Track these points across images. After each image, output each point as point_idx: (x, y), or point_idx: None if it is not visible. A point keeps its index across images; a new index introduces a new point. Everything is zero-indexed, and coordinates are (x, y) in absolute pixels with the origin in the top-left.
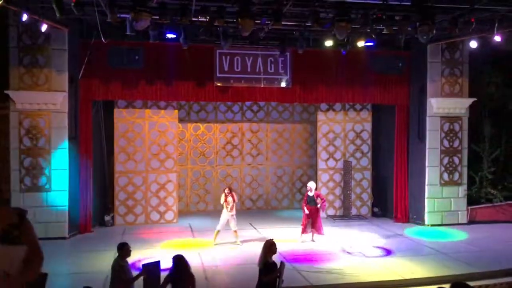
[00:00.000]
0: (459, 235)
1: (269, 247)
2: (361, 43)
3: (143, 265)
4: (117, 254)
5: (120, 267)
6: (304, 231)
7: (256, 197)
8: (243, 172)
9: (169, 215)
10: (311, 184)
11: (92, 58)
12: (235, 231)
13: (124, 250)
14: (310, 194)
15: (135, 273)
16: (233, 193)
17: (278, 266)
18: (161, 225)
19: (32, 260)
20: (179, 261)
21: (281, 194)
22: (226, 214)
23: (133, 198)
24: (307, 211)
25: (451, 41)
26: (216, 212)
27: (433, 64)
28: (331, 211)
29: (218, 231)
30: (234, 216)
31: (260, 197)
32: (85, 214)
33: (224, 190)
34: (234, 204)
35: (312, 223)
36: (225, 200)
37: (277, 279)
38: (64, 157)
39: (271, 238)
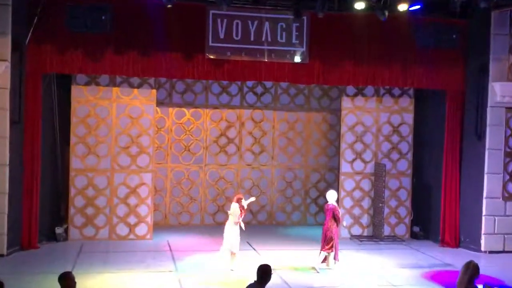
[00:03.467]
0: None
1: None
2: (403, 7)
3: None
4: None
5: None
6: (336, 256)
7: (257, 208)
8: (240, 175)
9: (142, 229)
10: (332, 196)
11: (44, 18)
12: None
13: (65, 283)
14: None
15: None
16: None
17: None
18: (131, 242)
19: None
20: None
21: (290, 206)
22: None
23: (94, 205)
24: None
25: None
26: (203, 228)
27: (498, 38)
28: (356, 230)
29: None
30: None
31: (262, 209)
32: (30, 225)
33: (237, 199)
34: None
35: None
36: (241, 212)
37: None
38: (3, 148)
39: (266, 264)
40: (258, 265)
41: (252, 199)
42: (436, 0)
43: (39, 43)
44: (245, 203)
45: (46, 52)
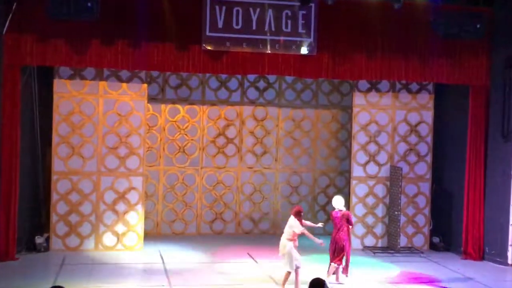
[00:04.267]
0: None
1: None
2: None
3: None
4: None
5: None
6: (346, 270)
7: (258, 216)
8: (240, 179)
9: (131, 239)
10: (339, 201)
11: (23, 5)
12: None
13: None
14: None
15: None
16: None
17: None
18: (119, 253)
19: None
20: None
21: None
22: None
23: (79, 212)
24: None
25: None
26: (199, 237)
27: None
28: (370, 240)
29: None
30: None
31: (264, 217)
32: (7, 234)
33: (295, 212)
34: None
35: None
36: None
37: None
38: None
39: (319, 278)
40: (266, 280)
41: (320, 225)
42: None
43: (17, 32)
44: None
45: (25, 42)
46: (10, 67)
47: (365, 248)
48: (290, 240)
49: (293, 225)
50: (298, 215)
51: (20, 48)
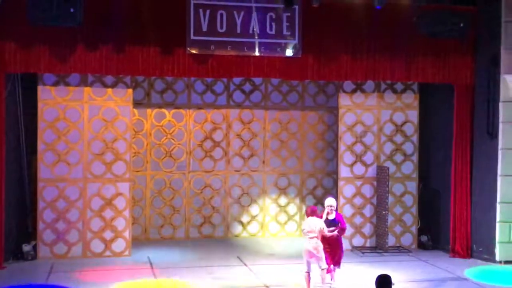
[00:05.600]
0: None
1: None
2: None
3: None
4: None
5: None
6: (329, 270)
7: (247, 219)
8: (228, 182)
9: (119, 245)
10: (331, 201)
11: (3, 10)
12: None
13: None
14: (331, 217)
15: None
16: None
17: None
18: (107, 260)
19: None
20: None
21: (284, 215)
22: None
23: (65, 219)
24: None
25: None
26: (188, 242)
27: (510, 25)
28: (358, 240)
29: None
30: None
31: (253, 219)
32: None
33: (311, 211)
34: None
35: (331, 256)
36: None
37: None
38: None
39: (385, 274)
40: (257, 283)
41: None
42: None
43: (0, 39)
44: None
45: (8, 49)
46: None
47: (353, 248)
48: (318, 238)
49: (317, 224)
50: (315, 213)
51: (3, 55)
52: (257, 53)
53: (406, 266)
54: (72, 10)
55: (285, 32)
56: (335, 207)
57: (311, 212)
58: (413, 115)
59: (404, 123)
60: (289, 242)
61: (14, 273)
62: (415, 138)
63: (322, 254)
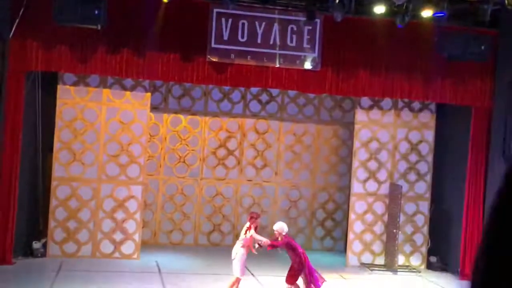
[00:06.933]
0: None
1: None
2: (427, 13)
3: None
4: None
5: None
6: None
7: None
8: (240, 191)
9: (128, 248)
10: (276, 226)
11: (30, 10)
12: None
13: None
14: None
15: None
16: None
17: None
18: (116, 261)
19: None
20: None
21: (294, 228)
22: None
23: (77, 218)
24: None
25: None
26: (197, 249)
27: None
28: (367, 257)
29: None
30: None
31: (263, 230)
32: (4, 238)
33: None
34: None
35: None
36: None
37: None
38: None
39: None
40: None
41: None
42: (463, 7)
43: (23, 37)
44: (254, 234)
45: (31, 48)
46: (15, 72)
47: (362, 265)
48: (242, 246)
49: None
50: (251, 219)
51: (26, 53)
52: (277, 64)
53: (414, 286)
54: (96, 12)
55: (305, 45)
56: (282, 233)
57: (249, 218)
58: (429, 134)
59: (420, 142)
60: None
61: (22, 269)
62: (430, 158)
63: (236, 262)
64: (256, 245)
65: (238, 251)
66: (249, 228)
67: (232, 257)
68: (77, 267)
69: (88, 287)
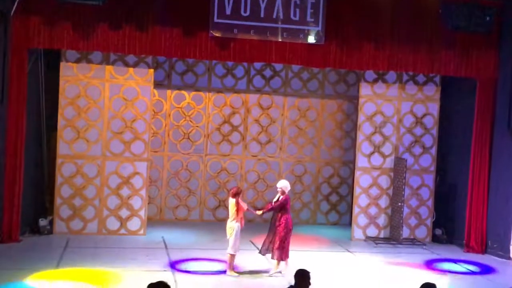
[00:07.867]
0: None
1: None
2: None
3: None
4: None
5: None
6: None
7: (262, 203)
8: (245, 167)
9: (134, 224)
10: (279, 183)
11: None
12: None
13: None
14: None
15: None
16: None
17: None
18: (122, 238)
19: None
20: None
21: (299, 202)
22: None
23: (83, 195)
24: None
25: None
26: (202, 224)
27: None
28: (372, 231)
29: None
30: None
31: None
32: (11, 216)
33: (232, 193)
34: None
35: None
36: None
37: None
38: None
39: (303, 269)
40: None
41: (259, 212)
42: None
43: (25, 14)
44: (243, 204)
45: (33, 25)
46: (18, 49)
47: (367, 239)
48: (237, 221)
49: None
50: (237, 195)
51: (28, 30)
52: (279, 39)
53: (419, 260)
54: None
55: (308, 18)
56: (285, 190)
57: (234, 194)
58: (434, 107)
59: (424, 115)
60: (303, 229)
61: (29, 246)
62: (434, 131)
63: (231, 238)
64: (259, 212)
65: (233, 228)
66: (238, 204)
67: (228, 236)
68: (83, 244)
69: (95, 264)
